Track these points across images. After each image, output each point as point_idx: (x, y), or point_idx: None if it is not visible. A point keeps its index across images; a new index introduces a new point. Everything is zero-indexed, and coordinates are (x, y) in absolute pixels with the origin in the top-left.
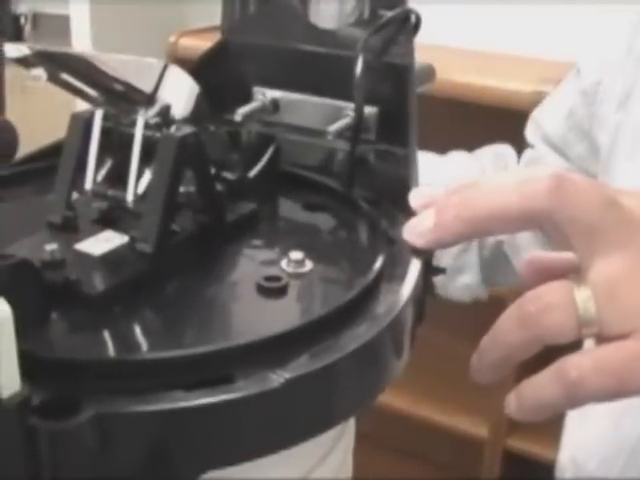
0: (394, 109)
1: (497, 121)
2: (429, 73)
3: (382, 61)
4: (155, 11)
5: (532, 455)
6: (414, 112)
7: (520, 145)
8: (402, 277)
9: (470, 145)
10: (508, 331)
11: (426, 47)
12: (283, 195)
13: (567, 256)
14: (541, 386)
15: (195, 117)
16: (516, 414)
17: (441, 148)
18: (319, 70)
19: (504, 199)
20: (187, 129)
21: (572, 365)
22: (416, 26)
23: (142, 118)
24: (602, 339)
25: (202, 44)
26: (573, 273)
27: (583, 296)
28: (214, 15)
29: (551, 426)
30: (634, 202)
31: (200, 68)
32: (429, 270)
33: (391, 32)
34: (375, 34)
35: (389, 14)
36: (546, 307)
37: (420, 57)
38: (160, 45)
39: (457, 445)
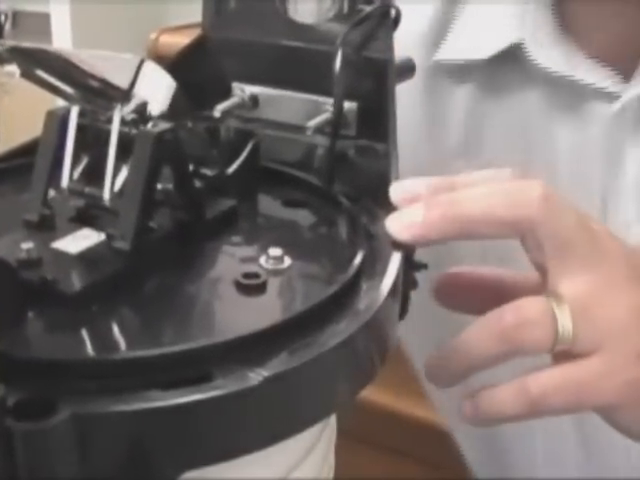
0: (374, 104)
1: None
2: (409, 67)
3: (361, 56)
4: (136, 9)
5: None
6: (394, 107)
7: None
8: (382, 273)
9: None
10: (483, 341)
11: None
12: (262, 191)
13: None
14: (502, 399)
15: (172, 113)
16: (471, 420)
17: None
18: (298, 65)
19: (497, 204)
20: (164, 125)
21: (535, 383)
22: (396, 20)
23: (118, 114)
24: (563, 355)
25: (183, 41)
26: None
27: (563, 313)
28: (195, 12)
29: None
30: (601, 228)
31: (178, 64)
32: (411, 266)
33: (370, 27)
34: (354, 29)
35: (368, 8)
36: (526, 322)
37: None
38: (141, 42)
39: (443, 441)
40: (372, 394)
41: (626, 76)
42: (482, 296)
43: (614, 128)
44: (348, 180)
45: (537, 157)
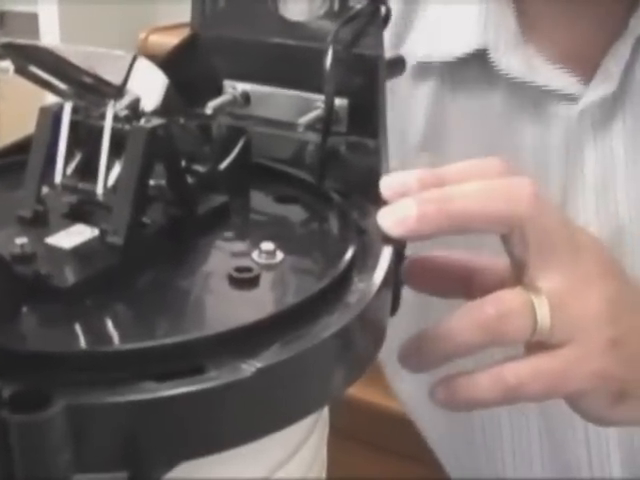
0: (365, 101)
1: None
2: (399, 64)
3: (352, 53)
4: (124, 9)
5: None
6: (384, 103)
7: None
8: (374, 267)
9: None
10: (464, 331)
11: None
12: (254, 187)
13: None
14: (477, 386)
15: (165, 110)
16: (444, 404)
17: None
18: (289, 62)
19: (491, 201)
20: (157, 121)
21: (511, 372)
22: (386, 18)
23: (111, 111)
24: (537, 345)
25: (172, 41)
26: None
27: (541, 305)
28: (184, 12)
29: None
30: (578, 225)
31: (170, 62)
32: (402, 260)
33: (361, 24)
34: (345, 26)
35: (359, 6)
36: (508, 313)
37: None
38: (130, 42)
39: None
40: (363, 391)
41: (587, 77)
42: (451, 280)
43: (574, 130)
44: (339, 176)
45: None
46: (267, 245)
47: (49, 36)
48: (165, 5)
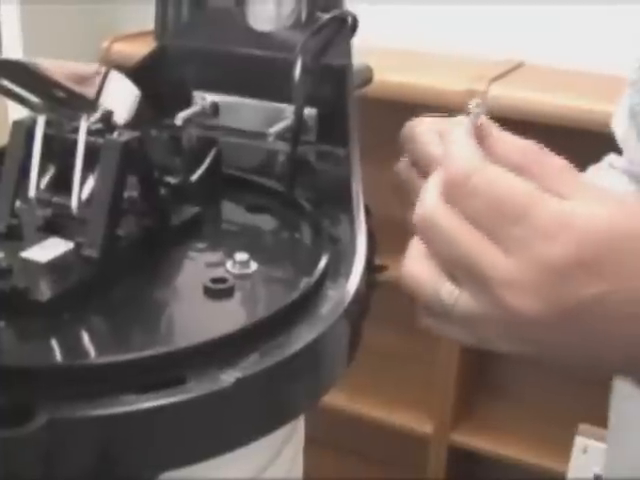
0: (333, 110)
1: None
2: (367, 74)
3: (320, 63)
4: (87, 16)
5: (477, 450)
6: (354, 112)
7: None
8: (346, 275)
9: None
10: None
11: (366, 49)
12: (226, 198)
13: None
14: None
15: (137, 122)
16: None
17: (379, 149)
18: (258, 73)
19: None
20: (130, 134)
21: None
22: (353, 28)
23: (85, 124)
24: None
25: (135, 49)
26: None
27: None
28: (147, 19)
29: (495, 420)
30: None
31: (139, 73)
32: (372, 267)
33: (329, 34)
34: (313, 36)
35: (326, 16)
36: None
37: (358, 59)
38: (92, 50)
39: (401, 442)
40: (330, 396)
41: None
42: None
43: None
44: (310, 185)
45: None
46: (241, 255)
47: (11, 44)
48: (129, 12)
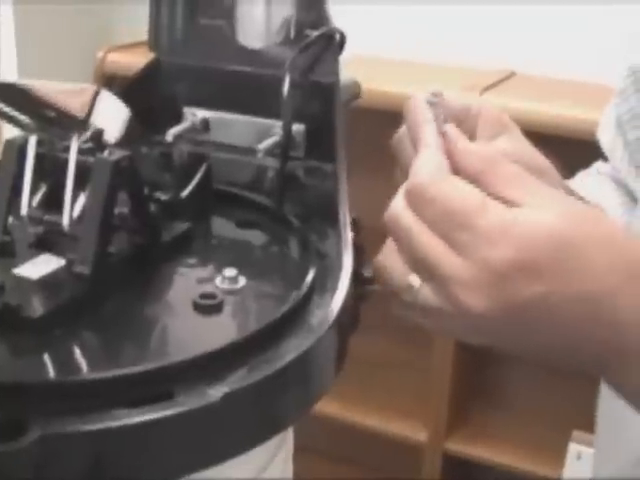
0: (321, 126)
1: None
2: (355, 89)
3: (308, 80)
4: (82, 26)
5: (472, 457)
6: (341, 128)
7: None
8: (333, 289)
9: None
10: None
11: (358, 59)
12: (216, 213)
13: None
14: None
15: (127, 140)
16: None
17: (373, 159)
18: (248, 89)
19: None
20: (121, 153)
21: None
22: (341, 45)
23: (76, 143)
24: None
25: (130, 59)
26: None
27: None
28: (142, 30)
29: (490, 428)
30: None
31: (131, 89)
32: (361, 280)
33: (317, 51)
34: (301, 53)
35: (315, 33)
36: None
37: (352, 68)
38: (88, 61)
39: (396, 450)
40: (325, 405)
41: None
42: None
43: None
44: (298, 200)
45: None
46: (230, 271)
47: (4, 56)
48: (124, 21)
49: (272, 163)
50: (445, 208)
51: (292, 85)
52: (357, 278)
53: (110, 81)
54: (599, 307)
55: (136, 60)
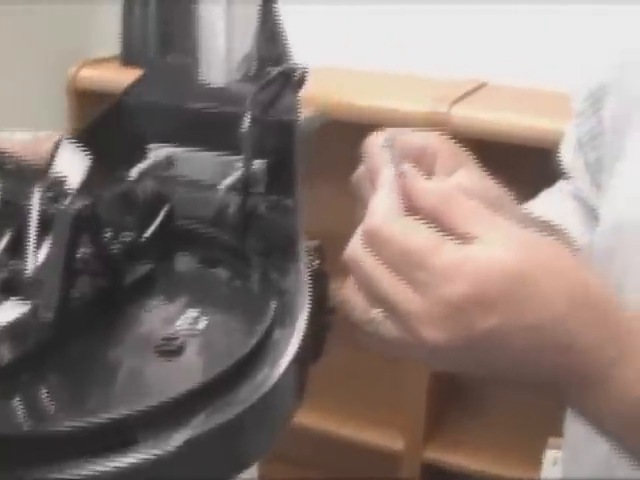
0: (282, 162)
1: None
2: (318, 120)
3: (269, 116)
4: (53, 41)
5: (450, 466)
6: (300, 164)
7: None
8: (293, 325)
9: None
10: None
11: (328, 69)
12: (180, 251)
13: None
14: None
15: (89, 186)
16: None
17: (344, 172)
18: (211, 126)
19: None
20: (81, 202)
21: None
22: (301, 81)
23: (37, 193)
24: None
25: (103, 75)
26: None
27: None
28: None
29: (467, 436)
30: None
31: (96, 127)
32: (325, 310)
33: (277, 87)
34: (262, 90)
35: (275, 70)
36: None
37: (322, 79)
38: (60, 76)
39: (374, 460)
40: (302, 416)
41: None
42: None
43: None
44: (260, 235)
45: None
46: (191, 313)
47: None
48: (96, 37)
49: (235, 199)
50: (400, 248)
51: (252, 122)
52: (321, 307)
53: (83, 97)
54: (552, 334)
55: (109, 75)
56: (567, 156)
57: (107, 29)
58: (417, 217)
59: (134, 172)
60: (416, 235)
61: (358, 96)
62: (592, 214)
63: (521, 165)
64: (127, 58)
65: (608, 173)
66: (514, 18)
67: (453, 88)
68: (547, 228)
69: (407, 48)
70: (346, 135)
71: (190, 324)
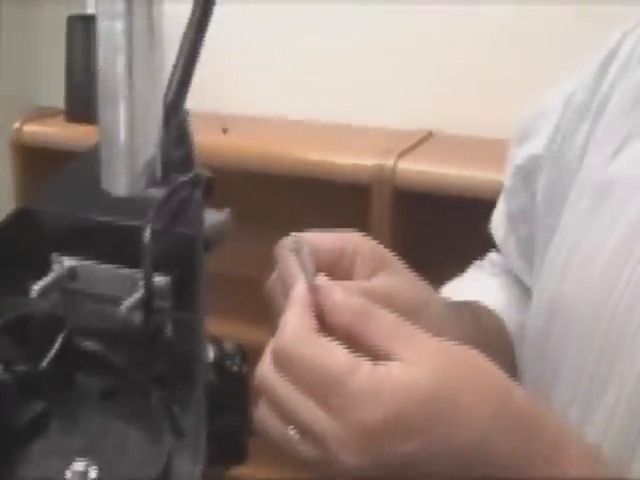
0: (186, 277)
1: (339, 196)
2: (225, 227)
3: (172, 230)
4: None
5: None
6: (203, 280)
7: (364, 218)
8: (195, 460)
9: (310, 222)
10: None
11: (267, 120)
12: (78, 378)
13: None
14: None
15: None
16: None
17: (281, 225)
18: (113, 238)
19: None
20: None
21: None
22: (207, 190)
23: None
24: None
25: (46, 130)
26: None
27: None
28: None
29: None
30: None
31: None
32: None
33: (182, 196)
34: (164, 203)
35: (182, 178)
36: None
37: (260, 130)
38: (5, 129)
39: None
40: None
41: None
42: None
43: None
44: (165, 357)
45: None
46: (78, 465)
47: None
48: (41, 88)
49: (138, 316)
50: (309, 371)
51: (154, 235)
52: (241, 413)
53: (27, 152)
54: (477, 453)
55: (52, 131)
56: (499, 230)
57: (52, 81)
58: (331, 336)
59: (34, 290)
60: (329, 357)
61: (303, 150)
62: (524, 289)
63: (469, 217)
64: (71, 113)
65: (541, 249)
66: (463, 70)
67: (400, 138)
68: (474, 320)
69: (357, 99)
70: (289, 189)
71: (79, 477)
